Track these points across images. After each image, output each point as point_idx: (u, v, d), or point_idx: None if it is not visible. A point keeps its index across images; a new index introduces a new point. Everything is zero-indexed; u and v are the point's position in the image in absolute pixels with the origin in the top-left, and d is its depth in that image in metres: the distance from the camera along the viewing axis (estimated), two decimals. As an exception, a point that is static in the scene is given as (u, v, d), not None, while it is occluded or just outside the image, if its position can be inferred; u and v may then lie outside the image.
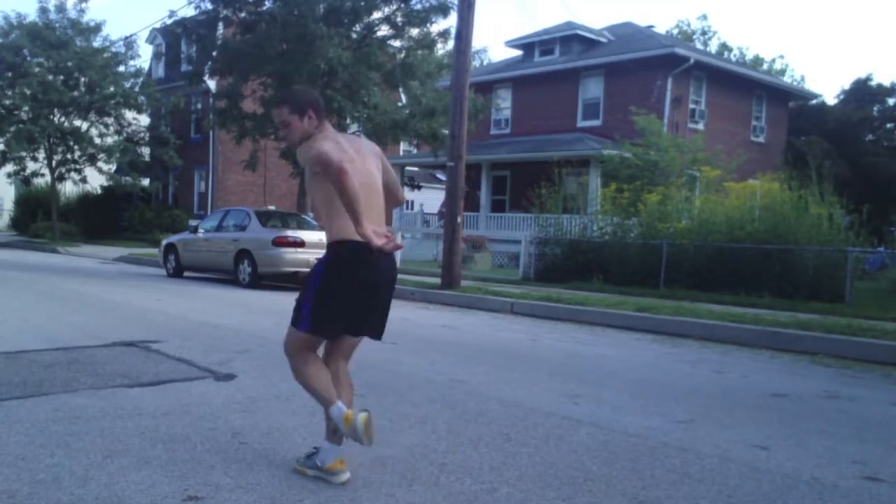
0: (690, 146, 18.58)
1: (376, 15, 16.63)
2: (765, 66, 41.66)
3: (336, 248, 2.98)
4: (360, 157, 3.07)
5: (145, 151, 28.66)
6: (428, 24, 16.44)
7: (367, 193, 2.94)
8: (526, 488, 3.04)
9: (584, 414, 4.37)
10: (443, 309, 10.35)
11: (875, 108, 33.61)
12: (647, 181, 16.28)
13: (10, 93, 24.49)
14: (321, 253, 12.68)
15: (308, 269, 12.87)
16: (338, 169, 2.76)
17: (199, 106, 28.53)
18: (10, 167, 26.15)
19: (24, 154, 25.44)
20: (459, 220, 11.79)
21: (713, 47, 42.54)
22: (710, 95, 22.61)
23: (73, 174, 26.73)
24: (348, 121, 17.12)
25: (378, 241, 2.78)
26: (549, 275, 14.50)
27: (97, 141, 26.58)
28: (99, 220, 29.26)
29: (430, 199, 31.16)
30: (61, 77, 25.05)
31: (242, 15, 16.61)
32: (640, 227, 14.33)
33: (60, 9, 26.02)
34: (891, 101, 34.02)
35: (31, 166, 26.35)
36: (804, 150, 23.84)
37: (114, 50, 26.58)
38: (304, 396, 4.49)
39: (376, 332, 3.17)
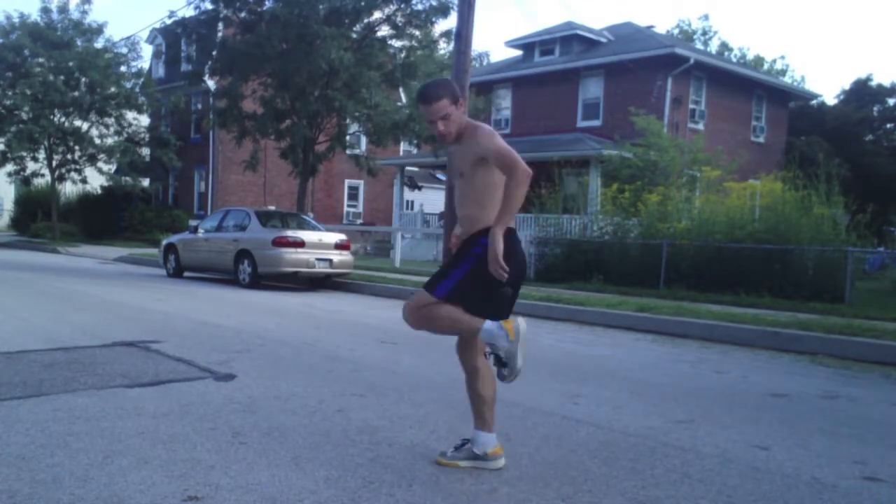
0: (690, 146, 18.57)
1: (377, 15, 16.61)
2: (765, 67, 41.67)
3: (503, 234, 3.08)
4: None
5: (145, 152, 28.67)
6: (429, 25, 16.42)
7: None
8: (526, 488, 3.04)
9: (584, 414, 4.37)
10: (443, 309, 10.33)
11: (875, 109, 33.63)
12: (647, 181, 16.26)
13: (10, 93, 24.48)
14: (321, 253, 12.66)
15: (308, 269, 12.79)
16: (525, 172, 2.93)
17: (199, 106, 28.52)
18: (10, 167, 26.16)
19: (24, 154, 25.44)
20: (459, 220, 11.75)
21: (714, 47, 42.56)
22: (711, 95, 22.61)
23: (73, 174, 26.74)
24: (348, 120, 17.11)
25: (494, 260, 2.91)
26: (549, 275, 14.48)
27: (97, 141, 26.60)
28: (99, 220, 29.25)
29: (430, 199, 31.17)
30: (62, 77, 25.04)
31: (242, 15, 16.59)
32: (640, 228, 14.31)
33: (63, 9, 26.04)
34: (891, 101, 34.05)
35: (31, 166, 26.34)
36: (806, 150, 23.84)
37: (116, 51, 26.60)
38: (304, 396, 4.51)
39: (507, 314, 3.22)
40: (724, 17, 73.66)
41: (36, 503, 2.65)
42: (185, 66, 20.02)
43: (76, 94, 25.45)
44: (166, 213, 28.33)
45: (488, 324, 3.01)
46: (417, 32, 16.72)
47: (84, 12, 26.20)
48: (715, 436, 3.99)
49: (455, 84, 3.24)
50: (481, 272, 3.03)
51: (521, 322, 2.99)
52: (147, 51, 31.47)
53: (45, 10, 25.84)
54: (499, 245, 2.90)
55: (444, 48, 17.76)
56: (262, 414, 4.03)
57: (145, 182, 29.53)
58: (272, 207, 23.14)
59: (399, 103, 19.06)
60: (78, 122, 26.10)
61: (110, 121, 26.69)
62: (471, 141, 3.11)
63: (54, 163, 26.10)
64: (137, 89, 26.88)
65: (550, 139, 22.23)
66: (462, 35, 11.71)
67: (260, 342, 6.53)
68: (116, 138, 26.85)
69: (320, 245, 12.99)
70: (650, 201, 14.22)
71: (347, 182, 31.52)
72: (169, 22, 18.39)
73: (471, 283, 3.07)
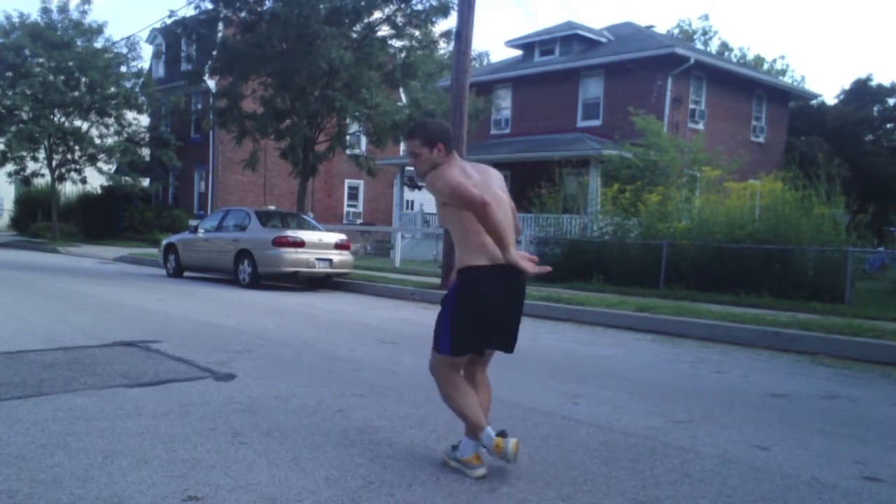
0: (690, 146, 18.57)
1: (377, 15, 16.61)
2: (765, 67, 41.65)
3: (464, 274, 3.18)
4: (485, 182, 3.23)
5: (145, 152, 28.68)
6: (429, 25, 16.42)
7: (503, 216, 3.15)
8: (526, 488, 3.05)
9: (584, 414, 4.37)
10: (443, 309, 10.34)
11: (875, 109, 33.61)
12: (647, 181, 16.25)
13: (10, 93, 24.49)
14: (321, 253, 12.71)
15: (308, 269, 12.82)
16: (481, 203, 2.97)
17: (199, 106, 28.51)
18: (10, 167, 26.16)
19: (24, 154, 25.45)
20: (459, 220, 11.74)
21: (714, 47, 42.54)
22: (711, 95, 22.60)
23: (73, 174, 26.75)
24: (348, 120, 17.10)
25: (527, 267, 3.06)
26: (548, 274, 14.46)
27: (97, 141, 26.61)
28: (99, 220, 29.25)
29: (430, 199, 30.93)
30: (62, 77, 25.05)
31: (242, 15, 16.59)
32: (640, 228, 14.30)
33: (63, 9, 26.04)
34: (891, 101, 34.03)
35: (31, 166, 26.34)
36: (806, 150, 23.84)
37: (116, 51, 26.61)
38: (304, 396, 4.51)
39: (509, 347, 3.33)
40: (724, 17, 73.67)
41: (36, 503, 2.65)
42: (185, 66, 20.01)
43: (76, 94, 25.44)
44: (166, 213, 28.32)
45: (487, 432, 3.12)
46: (417, 32, 16.72)
47: (84, 12, 26.21)
48: (715, 436, 3.99)
49: (439, 130, 3.26)
50: (461, 313, 3.17)
51: (511, 448, 3.07)
52: (147, 51, 31.51)
53: (45, 11, 25.84)
54: (519, 261, 3.05)
55: (444, 48, 17.77)
56: (262, 414, 4.03)
57: (145, 182, 29.52)
58: (272, 207, 23.14)
59: (399, 103, 19.06)
60: (78, 122, 26.10)
61: (110, 121, 26.69)
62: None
63: (54, 163, 26.10)
64: (137, 89, 26.89)
65: (550, 139, 22.22)
66: (462, 35, 11.71)
67: (260, 342, 6.53)
68: (116, 138, 26.85)
69: (320, 245, 12.99)
70: (650, 201, 14.21)
71: (347, 182, 31.51)
72: (169, 22, 18.38)
73: (457, 326, 3.18)
